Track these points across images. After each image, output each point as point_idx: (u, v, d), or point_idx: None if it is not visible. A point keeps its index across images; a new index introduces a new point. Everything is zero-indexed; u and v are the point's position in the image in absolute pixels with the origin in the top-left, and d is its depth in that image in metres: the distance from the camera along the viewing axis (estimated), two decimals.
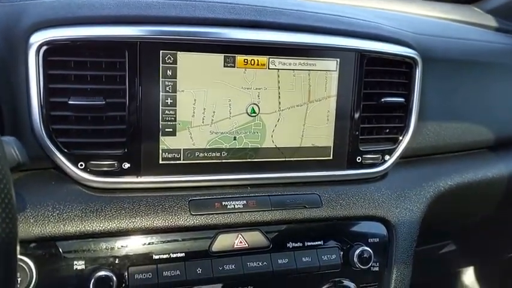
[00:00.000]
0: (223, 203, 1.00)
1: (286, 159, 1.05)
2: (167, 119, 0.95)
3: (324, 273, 1.05)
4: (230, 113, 0.99)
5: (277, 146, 1.04)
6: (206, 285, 0.97)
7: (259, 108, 1.01)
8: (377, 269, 1.09)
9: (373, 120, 1.11)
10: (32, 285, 0.86)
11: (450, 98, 1.24)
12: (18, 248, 0.75)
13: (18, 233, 0.61)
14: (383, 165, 1.13)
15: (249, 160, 1.03)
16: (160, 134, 0.95)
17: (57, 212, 0.90)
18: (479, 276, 2.09)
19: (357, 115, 1.07)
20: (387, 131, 1.13)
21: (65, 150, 0.91)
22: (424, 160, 1.24)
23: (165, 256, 0.94)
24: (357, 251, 1.04)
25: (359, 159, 1.10)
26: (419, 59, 1.11)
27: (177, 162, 0.98)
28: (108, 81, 0.92)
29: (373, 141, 1.12)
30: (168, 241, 0.95)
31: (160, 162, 0.97)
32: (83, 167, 0.93)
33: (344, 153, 1.08)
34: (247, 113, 1.00)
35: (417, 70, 1.12)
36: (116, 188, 0.96)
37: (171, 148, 0.97)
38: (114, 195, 0.95)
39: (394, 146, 1.13)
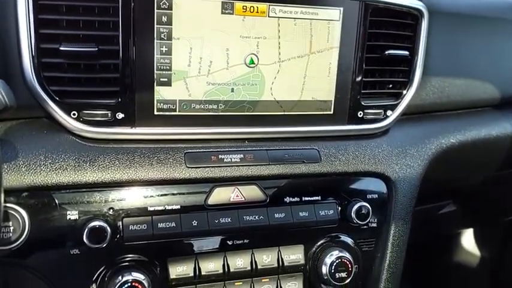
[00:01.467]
0: (220, 156, 0.98)
1: (285, 113, 1.02)
2: (162, 68, 0.92)
3: (321, 228, 1.04)
4: (228, 63, 0.96)
5: (276, 99, 1.01)
6: (202, 238, 0.96)
7: (258, 59, 0.97)
8: (375, 225, 1.07)
9: (376, 74, 1.08)
10: (24, 234, 0.85)
11: (456, 53, 1.20)
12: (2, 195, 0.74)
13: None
14: (385, 121, 1.10)
15: (247, 113, 1.00)
16: (155, 83, 0.92)
17: (50, 161, 0.88)
18: (478, 239, 2.09)
19: (359, 68, 1.03)
20: (390, 86, 1.10)
21: (57, 99, 0.89)
22: (427, 117, 1.21)
23: (160, 208, 0.93)
24: (355, 207, 1.03)
25: (360, 114, 1.07)
26: (425, 11, 1.07)
27: (173, 113, 0.95)
28: (101, 27, 0.88)
29: (375, 96, 1.09)
30: (164, 193, 0.94)
31: (155, 113, 0.94)
32: (75, 116, 0.90)
33: (345, 108, 1.06)
34: (245, 63, 0.97)
35: (423, 23, 1.08)
36: (109, 139, 0.93)
37: (166, 99, 0.94)
38: (108, 146, 0.93)
39: (396, 102, 1.10)
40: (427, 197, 1.23)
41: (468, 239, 2.13)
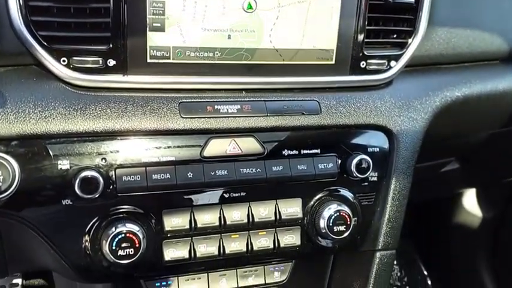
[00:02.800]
0: (216, 106, 0.94)
1: (285, 62, 0.98)
2: (155, 12, 0.87)
3: (320, 182, 1.01)
4: (224, 8, 0.91)
5: (275, 47, 0.96)
6: (198, 191, 0.94)
7: (256, 4, 0.92)
8: (375, 179, 1.05)
9: (380, 22, 1.03)
10: (15, 184, 0.83)
11: (463, 3, 1.15)
12: None
13: None
14: (388, 72, 1.06)
15: (245, 62, 0.96)
16: (147, 29, 0.88)
17: (39, 109, 0.85)
18: (480, 200, 2.08)
19: (362, 15, 0.98)
20: (395, 35, 1.06)
21: (46, 45, 0.85)
22: (432, 69, 1.16)
23: (154, 159, 0.90)
24: (355, 160, 1.00)
25: (363, 64, 1.03)
26: None
27: (167, 61, 0.91)
28: None
29: (379, 46, 1.05)
30: (158, 144, 0.91)
31: (148, 60, 0.90)
32: (65, 63, 0.87)
33: (347, 58, 1.01)
34: (243, 8, 0.92)
35: None
36: (101, 87, 0.90)
37: (160, 45, 0.90)
38: (99, 94, 0.89)
39: (401, 52, 1.05)
40: (430, 153, 1.20)
41: (470, 200, 2.12)
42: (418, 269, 2.37)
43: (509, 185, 1.91)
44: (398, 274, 2.35)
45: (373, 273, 1.08)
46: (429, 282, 2.33)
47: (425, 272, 2.36)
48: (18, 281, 1.66)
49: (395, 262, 2.37)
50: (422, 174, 1.27)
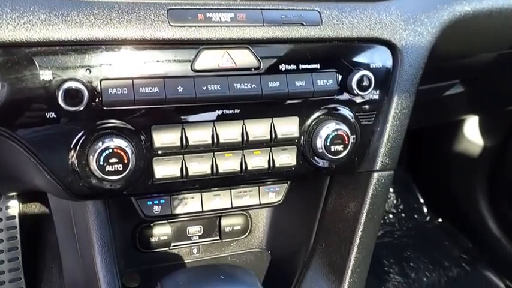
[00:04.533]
0: (208, 14, 0.87)
1: None
2: None
3: (318, 100, 0.96)
4: None
5: None
6: (189, 107, 0.89)
7: None
8: (376, 97, 1.00)
9: None
10: None
11: None
12: None
13: None
14: None
15: None
16: None
17: (17, 14, 0.78)
18: (482, 128, 2.05)
19: None
20: None
21: None
22: None
23: (142, 72, 0.85)
24: (356, 76, 0.94)
25: None
26: None
27: None
28: None
29: None
30: (145, 55, 0.85)
31: None
32: None
33: None
34: None
35: None
36: None
37: None
38: (81, 0, 0.82)
39: None
40: (434, 74, 1.15)
41: (471, 128, 2.09)
42: (414, 197, 2.39)
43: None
44: (395, 202, 2.37)
45: (370, 194, 1.05)
46: (425, 209, 2.36)
47: (422, 200, 2.37)
48: (14, 203, 1.67)
49: (391, 190, 2.38)
50: (425, 97, 1.22)
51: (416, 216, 2.34)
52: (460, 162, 2.14)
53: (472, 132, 2.08)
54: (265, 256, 1.30)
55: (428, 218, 2.34)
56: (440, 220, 2.32)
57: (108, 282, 0.97)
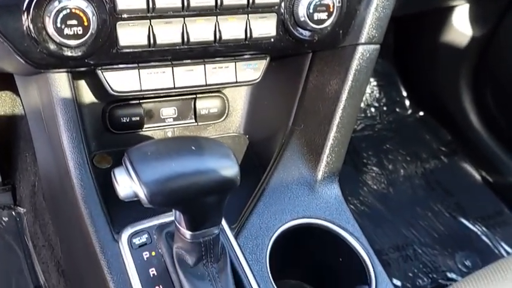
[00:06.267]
0: None
1: None
2: None
3: None
4: None
5: None
6: None
7: None
8: None
9: None
10: None
11: None
12: None
13: None
14: None
15: None
16: None
17: None
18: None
19: None
20: None
21: None
22: None
23: None
24: None
25: None
26: None
27: None
28: None
29: None
30: None
31: None
32: None
33: None
34: None
35: None
36: None
37: None
38: None
39: None
40: None
41: (460, 16, 2.00)
42: (397, 90, 2.35)
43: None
44: (377, 95, 2.33)
45: (353, 69, 0.99)
46: (407, 102, 2.33)
47: (404, 93, 2.34)
48: None
49: (375, 83, 2.34)
50: None
51: (398, 109, 2.31)
52: (446, 53, 2.07)
53: (461, 22, 2.00)
54: (243, 140, 1.26)
55: (410, 111, 2.32)
56: (422, 113, 2.30)
57: (76, 160, 0.92)
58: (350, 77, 0.99)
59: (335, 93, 1.01)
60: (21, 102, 1.73)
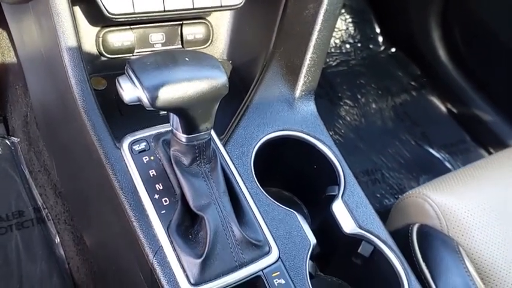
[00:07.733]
0: None
1: None
2: None
3: None
4: None
5: None
6: None
7: None
8: None
9: None
10: None
11: None
12: None
13: None
14: None
15: None
16: None
17: None
18: None
19: None
20: None
21: None
22: None
23: None
24: None
25: None
26: None
27: None
28: None
29: None
30: None
31: None
32: None
33: None
34: None
35: None
36: None
37: None
38: None
39: None
40: None
41: None
42: (371, 27, 2.44)
43: None
44: (352, 32, 2.42)
45: None
46: (380, 39, 2.43)
47: (378, 30, 2.44)
48: None
49: (349, 20, 2.42)
50: None
51: (371, 46, 2.42)
52: None
53: None
54: (227, 66, 1.35)
55: (383, 47, 2.43)
56: (393, 50, 2.42)
57: (78, 77, 1.00)
58: (325, 1, 1.09)
59: (311, 16, 1.11)
60: (8, 36, 1.77)
